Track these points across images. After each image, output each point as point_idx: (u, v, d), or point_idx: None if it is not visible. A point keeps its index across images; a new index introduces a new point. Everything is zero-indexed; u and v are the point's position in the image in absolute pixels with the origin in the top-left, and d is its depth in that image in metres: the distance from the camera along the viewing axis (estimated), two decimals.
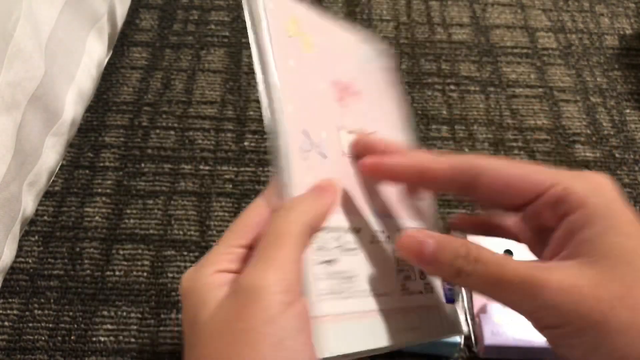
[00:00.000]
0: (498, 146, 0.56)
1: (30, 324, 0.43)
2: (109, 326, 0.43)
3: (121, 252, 0.47)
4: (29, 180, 0.45)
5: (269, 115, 0.26)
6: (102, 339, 0.42)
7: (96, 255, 0.47)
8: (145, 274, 0.46)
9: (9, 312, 0.43)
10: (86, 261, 0.46)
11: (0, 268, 0.42)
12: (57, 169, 0.51)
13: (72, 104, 0.51)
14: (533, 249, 0.28)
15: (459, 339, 0.40)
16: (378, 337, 0.27)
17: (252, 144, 0.54)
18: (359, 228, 0.28)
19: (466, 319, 0.36)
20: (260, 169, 0.52)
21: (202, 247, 0.48)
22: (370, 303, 0.27)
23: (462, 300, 0.32)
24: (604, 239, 0.23)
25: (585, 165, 0.55)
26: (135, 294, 0.45)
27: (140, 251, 0.47)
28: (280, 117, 0.26)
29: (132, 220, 0.49)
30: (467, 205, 0.51)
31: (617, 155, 0.56)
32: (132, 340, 0.42)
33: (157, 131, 0.55)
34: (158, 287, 0.45)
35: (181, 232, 0.48)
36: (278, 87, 0.27)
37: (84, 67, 0.53)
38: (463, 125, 0.57)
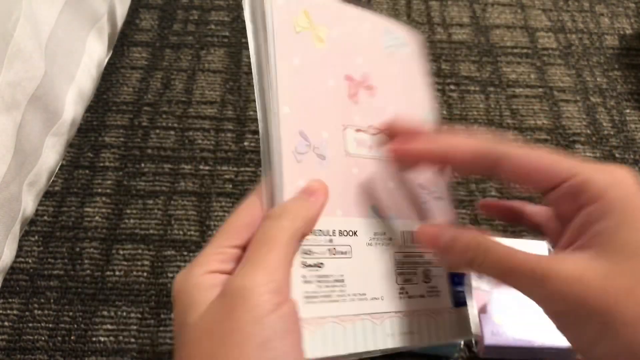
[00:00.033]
0: None
1: (30, 324, 0.43)
2: (109, 326, 0.43)
3: (121, 252, 0.47)
4: (29, 180, 0.45)
5: (260, 118, 0.27)
6: (102, 339, 0.42)
7: (96, 255, 0.47)
8: (145, 274, 0.46)
9: (9, 312, 0.43)
10: (86, 261, 0.46)
11: (0, 268, 0.42)
12: (57, 169, 0.51)
13: (72, 104, 0.51)
14: (554, 239, 0.28)
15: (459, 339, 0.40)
16: (369, 341, 0.26)
17: (252, 144, 0.54)
18: (355, 230, 0.28)
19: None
20: (260, 169, 0.52)
21: (202, 247, 0.47)
22: (362, 306, 0.27)
23: (473, 304, 0.32)
24: (618, 232, 0.23)
25: None
26: (135, 294, 0.45)
27: (140, 251, 0.47)
28: (273, 120, 0.26)
29: (132, 220, 0.49)
30: (472, 206, 0.51)
31: (617, 155, 0.56)
32: (132, 340, 0.42)
33: (157, 131, 0.55)
34: (158, 287, 0.45)
35: (181, 232, 0.48)
36: (274, 90, 0.27)
37: (84, 67, 0.53)
38: (463, 125, 0.57)
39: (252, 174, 0.52)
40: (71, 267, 0.46)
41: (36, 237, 0.47)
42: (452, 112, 0.58)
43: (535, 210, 0.31)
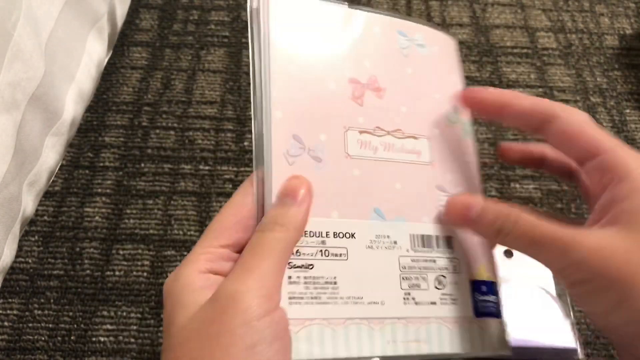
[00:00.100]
0: None
1: (30, 324, 0.43)
2: (108, 326, 0.43)
3: (121, 252, 0.47)
4: (29, 180, 0.45)
5: (253, 122, 0.27)
6: (102, 339, 0.42)
7: (96, 255, 0.47)
8: (145, 274, 0.46)
9: (9, 312, 0.43)
10: (86, 261, 0.46)
11: (0, 268, 0.42)
12: (57, 169, 0.51)
13: (72, 104, 0.51)
14: (583, 190, 0.30)
15: None
16: (365, 346, 0.26)
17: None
18: (352, 232, 0.27)
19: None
20: None
21: None
22: (357, 310, 0.26)
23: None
24: None
25: None
26: (135, 294, 0.45)
27: (140, 251, 0.47)
28: (265, 124, 0.27)
29: (132, 220, 0.49)
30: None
31: None
32: (132, 340, 0.42)
33: (157, 131, 0.55)
34: (158, 287, 0.45)
35: (181, 232, 0.48)
36: (267, 95, 0.27)
37: (84, 67, 0.53)
38: None
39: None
40: (71, 267, 0.46)
41: (36, 237, 0.47)
42: None
43: (556, 156, 0.32)
